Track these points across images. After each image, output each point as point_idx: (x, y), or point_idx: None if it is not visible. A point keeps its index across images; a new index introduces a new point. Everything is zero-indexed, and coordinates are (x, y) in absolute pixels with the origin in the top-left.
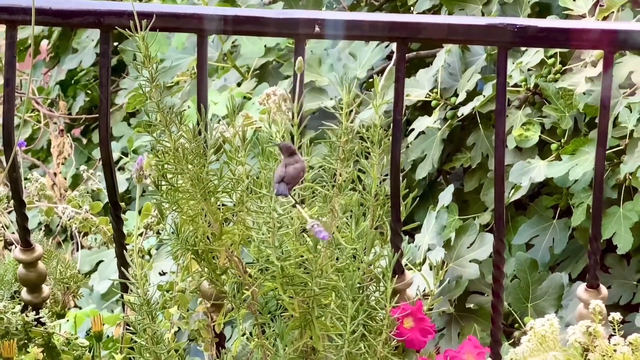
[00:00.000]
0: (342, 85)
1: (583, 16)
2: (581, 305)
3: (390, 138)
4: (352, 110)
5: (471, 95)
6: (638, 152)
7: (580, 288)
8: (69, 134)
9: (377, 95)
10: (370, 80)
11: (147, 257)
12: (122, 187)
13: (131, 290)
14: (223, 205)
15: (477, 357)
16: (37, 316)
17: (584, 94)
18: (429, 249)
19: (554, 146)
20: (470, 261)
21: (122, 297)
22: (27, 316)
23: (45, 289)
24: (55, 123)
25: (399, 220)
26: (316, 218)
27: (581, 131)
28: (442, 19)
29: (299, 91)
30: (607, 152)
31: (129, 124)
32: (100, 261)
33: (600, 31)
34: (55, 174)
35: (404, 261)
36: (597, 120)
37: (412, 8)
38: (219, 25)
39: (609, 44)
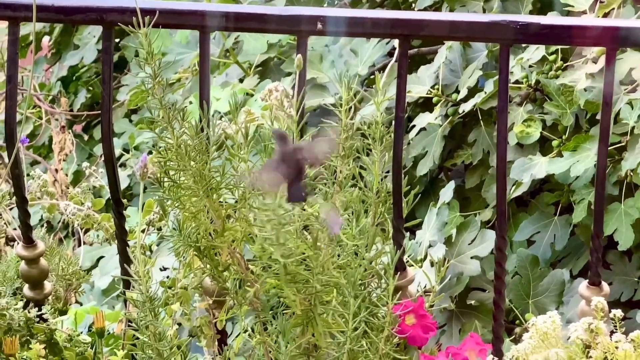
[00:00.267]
0: (342, 82)
1: (584, 13)
2: (583, 302)
3: (392, 135)
4: (352, 108)
5: (472, 92)
6: (639, 148)
7: (582, 285)
8: (70, 131)
9: (379, 92)
10: (372, 77)
11: (148, 253)
12: (123, 183)
13: (133, 287)
14: (225, 202)
15: (479, 354)
16: (39, 313)
17: (585, 90)
18: (430, 246)
19: (555, 143)
20: (471, 258)
21: (123, 293)
22: (29, 312)
23: (48, 285)
24: (56, 119)
25: (400, 217)
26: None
27: (582, 128)
28: (445, 16)
29: (299, 88)
30: (608, 148)
31: (131, 121)
32: (101, 257)
33: (602, 28)
34: (56, 171)
35: (405, 258)
36: (598, 117)
37: (413, 5)
38: (221, 21)
39: (610, 41)
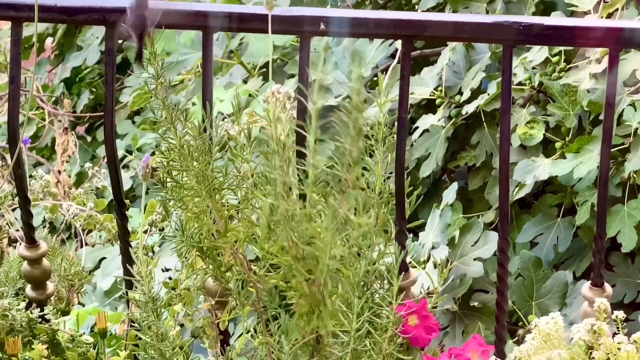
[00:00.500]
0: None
1: (588, 12)
2: (586, 303)
3: (395, 136)
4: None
5: (475, 94)
6: None
7: (585, 286)
8: (73, 132)
9: (382, 93)
10: (375, 78)
11: (150, 254)
12: (126, 185)
13: (136, 288)
14: (228, 202)
15: (482, 355)
16: (41, 313)
17: (588, 91)
18: (433, 247)
19: (558, 144)
20: (474, 259)
21: (126, 294)
22: (31, 313)
23: (50, 285)
24: (59, 121)
25: (403, 218)
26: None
27: (585, 129)
28: (448, 16)
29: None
30: (611, 150)
31: (134, 122)
32: (103, 258)
33: (605, 29)
34: (59, 172)
35: (408, 259)
36: (601, 117)
37: (416, 6)
38: (224, 22)
39: (614, 42)
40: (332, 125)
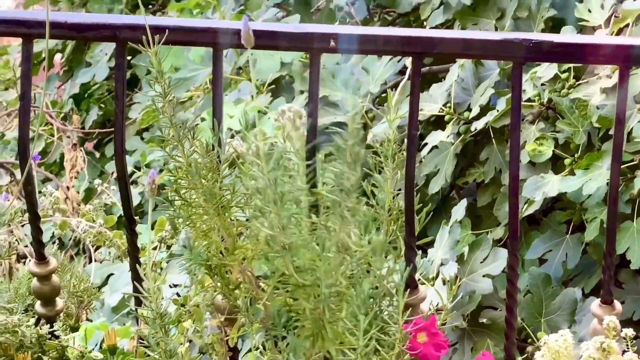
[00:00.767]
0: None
1: (598, 28)
2: (595, 320)
3: (404, 153)
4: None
5: (484, 110)
6: None
7: (595, 304)
8: (81, 148)
9: (391, 110)
10: (383, 94)
11: (158, 270)
12: (134, 201)
13: (144, 304)
14: (236, 219)
15: None
16: (51, 329)
17: (597, 107)
18: (442, 264)
19: (567, 161)
20: (483, 276)
21: (135, 310)
22: (41, 329)
23: (59, 302)
24: (68, 137)
25: (412, 235)
26: (325, 225)
27: (595, 146)
28: (457, 33)
29: (311, 106)
30: (621, 167)
31: (142, 138)
32: (111, 274)
33: (615, 47)
34: (68, 188)
35: (417, 276)
36: (611, 133)
37: (425, 23)
38: (234, 39)
39: (624, 60)
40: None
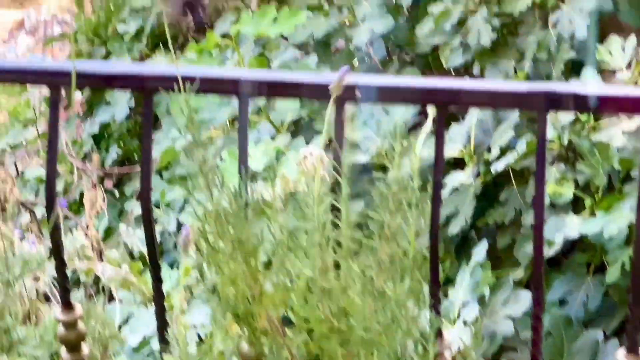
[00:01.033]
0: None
1: (620, 70)
2: None
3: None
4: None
5: (504, 151)
6: None
7: (620, 352)
8: (101, 186)
9: (415, 156)
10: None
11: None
12: None
13: (170, 352)
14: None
15: None
16: None
17: (618, 150)
18: (462, 305)
19: (587, 202)
20: (504, 317)
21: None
22: None
23: (85, 347)
24: (88, 176)
25: (437, 283)
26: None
27: (615, 187)
28: (482, 84)
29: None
30: None
31: (161, 177)
32: (131, 314)
33: (637, 99)
34: (87, 227)
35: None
36: (634, 174)
37: (443, 63)
38: (255, 90)
39: None
40: (362, 182)
